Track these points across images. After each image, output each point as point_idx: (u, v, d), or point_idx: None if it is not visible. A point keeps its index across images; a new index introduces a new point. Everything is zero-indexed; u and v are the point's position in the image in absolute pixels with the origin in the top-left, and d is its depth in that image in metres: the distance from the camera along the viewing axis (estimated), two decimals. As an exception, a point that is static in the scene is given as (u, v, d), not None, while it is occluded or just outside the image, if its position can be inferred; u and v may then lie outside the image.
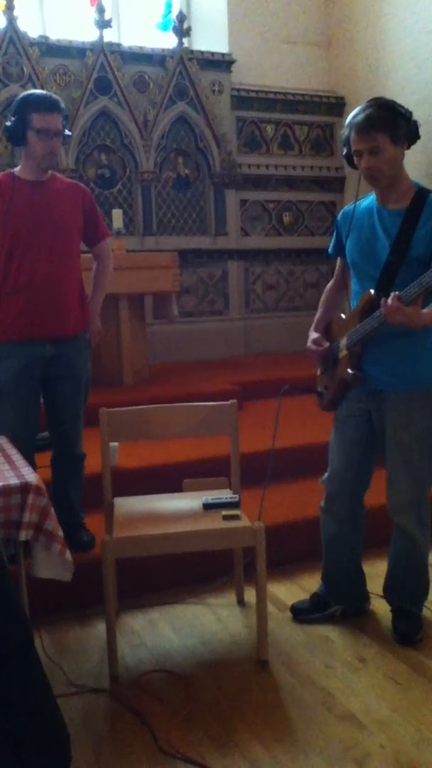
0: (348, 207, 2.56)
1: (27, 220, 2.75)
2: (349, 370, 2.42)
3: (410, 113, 2.32)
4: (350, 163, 2.40)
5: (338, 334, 2.55)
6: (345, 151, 2.39)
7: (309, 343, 2.64)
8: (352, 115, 2.32)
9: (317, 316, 2.70)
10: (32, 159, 2.77)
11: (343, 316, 2.59)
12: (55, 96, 2.78)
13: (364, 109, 2.29)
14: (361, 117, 2.27)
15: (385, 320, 2.25)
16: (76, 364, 2.91)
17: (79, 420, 2.98)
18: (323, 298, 2.74)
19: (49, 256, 2.78)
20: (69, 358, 2.88)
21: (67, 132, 2.82)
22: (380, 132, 2.25)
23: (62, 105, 2.78)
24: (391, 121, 2.26)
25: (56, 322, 2.83)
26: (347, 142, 2.35)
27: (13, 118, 2.73)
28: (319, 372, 2.68)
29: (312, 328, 2.67)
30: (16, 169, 2.84)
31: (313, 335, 2.64)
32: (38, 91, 2.82)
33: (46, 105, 2.69)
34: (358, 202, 2.48)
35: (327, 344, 2.58)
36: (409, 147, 2.35)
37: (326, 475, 2.67)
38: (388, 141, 2.26)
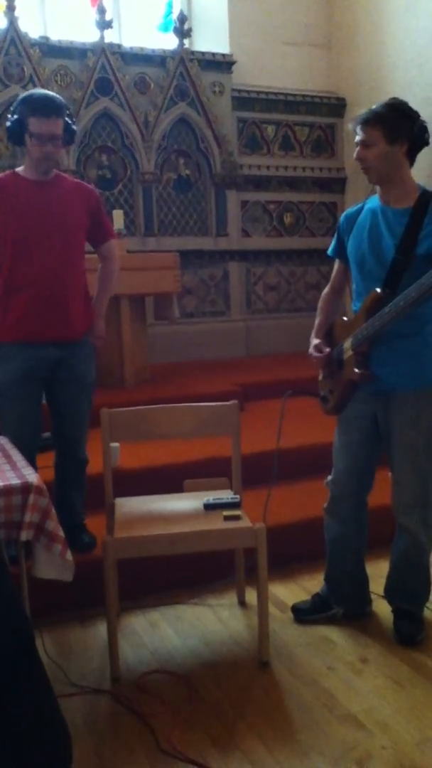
0: (351, 209, 2.58)
1: (31, 219, 2.72)
2: (356, 370, 2.42)
3: (417, 116, 2.35)
4: None
5: (341, 337, 2.54)
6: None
7: (310, 350, 2.64)
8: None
9: (317, 322, 2.69)
10: (30, 161, 2.75)
11: (345, 318, 2.58)
12: (56, 99, 2.68)
13: (372, 106, 2.37)
14: (365, 111, 2.36)
15: (392, 318, 2.25)
16: (80, 366, 2.88)
17: (84, 423, 2.96)
18: (321, 304, 2.73)
19: (53, 255, 2.75)
20: (73, 361, 2.86)
21: (74, 127, 2.78)
22: (375, 127, 2.33)
23: (63, 108, 2.68)
24: (389, 119, 2.32)
25: (60, 323, 2.80)
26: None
27: (12, 118, 2.69)
28: (320, 377, 2.68)
29: (313, 334, 2.67)
30: (20, 169, 2.82)
31: (315, 341, 2.64)
32: (39, 93, 2.71)
33: (43, 110, 2.61)
34: (361, 204, 2.52)
35: (328, 350, 2.58)
36: (413, 149, 2.37)
37: (330, 477, 2.67)
38: (382, 137, 2.32)
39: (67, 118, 2.72)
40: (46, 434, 3.02)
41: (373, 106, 2.36)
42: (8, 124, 2.73)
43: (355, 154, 2.40)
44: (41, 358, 2.80)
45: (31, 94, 2.71)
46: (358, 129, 2.36)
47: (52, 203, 2.77)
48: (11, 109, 2.74)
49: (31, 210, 2.73)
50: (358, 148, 2.38)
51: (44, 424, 2.95)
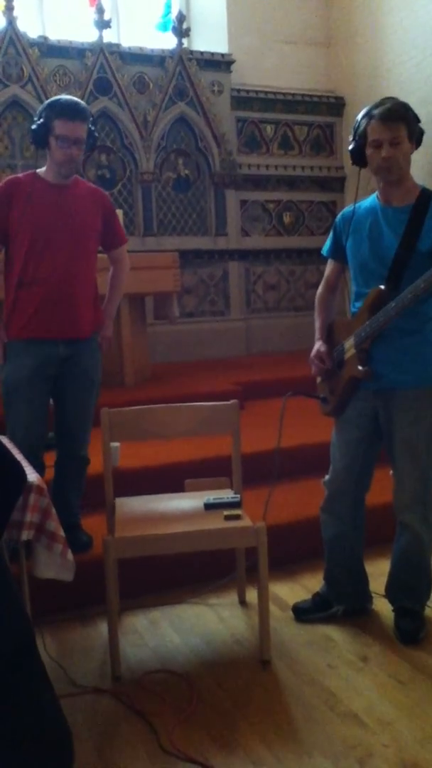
0: (347, 209, 2.57)
1: (46, 221, 2.78)
2: (360, 367, 2.42)
3: (418, 117, 2.38)
4: (357, 156, 2.41)
5: (342, 337, 2.54)
6: (354, 144, 2.40)
7: (312, 356, 2.63)
8: (372, 106, 2.35)
9: (318, 324, 2.69)
10: (53, 164, 2.81)
11: (344, 318, 2.58)
12: (82, 104, 2.80)
13: (383, 103, 2.34)
14: (385, 107, 2.31)
15: (397, 313, 2.25)
16: (88, 365, 2.92)
17: (88, 422, 2.97)
18: (318, 304, 2.72)
19: (66, 258, 2.81)
20: (81, 359, 2.89)
21: (96, 134, 2.88)
22: (403, 123, 2.31)
23: (88, 113, 2.80)
24: (408, 117, 2.33)
25: (70, 322, 2.85)
26: (362, 134, 2.37)
27: (38, 121, 2.77)
28: (319, 380, 2.68)
29: (317, 336, 2.67)
30: (41, 170, 2.87)
31: (322, 347, 2.61)
32: (65, 97, 2.82)
33: (69, 113, 2.72)
34: (358, 204, 2.49)
35: (329, 363, 2.58)
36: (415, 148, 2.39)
37: (328, 476, 2.67)
38: (407, 134, 2.32)
39: (90, 124, 2.81)
40: (51, 434, 3.03)
41: (387, 104, 2.31)
42: (33, 126, 2.80)
43: (384, 152, 2.31)
44: (50, 355, 2.83)
45: (58, 99, 2.82)
46: (387, 125, 2.29)
47: (67, 206, 2.83)
48: (37, 112, 2.82)
49: (46, 211, 2.79)
50: (386, 147, 2.30)
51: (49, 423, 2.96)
